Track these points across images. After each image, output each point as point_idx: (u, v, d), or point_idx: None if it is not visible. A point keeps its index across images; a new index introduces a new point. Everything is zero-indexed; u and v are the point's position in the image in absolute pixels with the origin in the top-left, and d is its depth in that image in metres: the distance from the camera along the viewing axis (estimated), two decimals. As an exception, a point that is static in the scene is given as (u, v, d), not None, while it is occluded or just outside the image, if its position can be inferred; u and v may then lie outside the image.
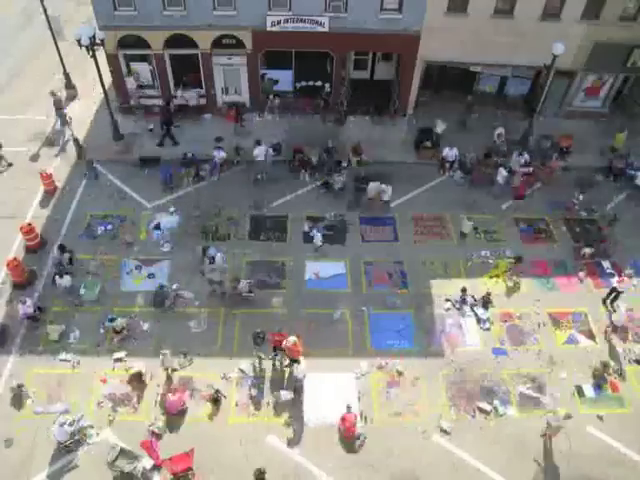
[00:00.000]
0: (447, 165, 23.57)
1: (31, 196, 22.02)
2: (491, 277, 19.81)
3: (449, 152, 23.32)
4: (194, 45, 23.75)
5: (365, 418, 16.06)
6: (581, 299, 19.29)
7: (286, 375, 16.89)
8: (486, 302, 18.80)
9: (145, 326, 17.92)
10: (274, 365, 17.08)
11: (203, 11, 22.58)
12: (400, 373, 17.05)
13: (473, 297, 18.89)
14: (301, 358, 16.40)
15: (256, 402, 16.35)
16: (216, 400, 16.13)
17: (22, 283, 18.78)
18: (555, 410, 15.84)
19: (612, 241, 21.10)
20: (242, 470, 14.88)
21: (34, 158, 23.80)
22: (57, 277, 18.54)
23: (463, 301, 18.84)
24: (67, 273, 18.75)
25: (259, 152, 22.41)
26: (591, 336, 18.30)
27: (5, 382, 16.48)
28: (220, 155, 22.72)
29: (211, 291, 18.80)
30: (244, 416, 16.05)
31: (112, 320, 17.41)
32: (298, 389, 16.53)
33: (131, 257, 19.95)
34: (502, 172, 22.21)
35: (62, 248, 19.36)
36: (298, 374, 16.36)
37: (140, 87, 25.37)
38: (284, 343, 16.39)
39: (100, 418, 15.80)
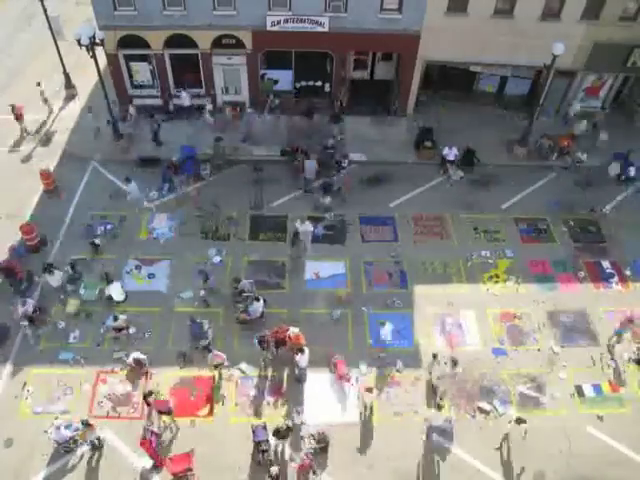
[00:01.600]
0: (448, 164, 23.53)
1: (31, 196, 22.04)
2: (490, 277, 19.83)
3: (449, 151, 23.31)
4: (194, 45, 23.76)
5: (365, 418, 16.07)
6: (581, 299, 19.29)
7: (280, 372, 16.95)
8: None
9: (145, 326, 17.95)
10: (272, 355, 17.14)
11: (203, 11, 22.59)
12: (399, 373, 17.07)
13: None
14: (305, 348, 16.44)
15: (256, 402, 16.37)
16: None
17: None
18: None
19: (611, 240, 21.19)
20: (242, 470, 14.89)
21: (34, 158, 23.81)
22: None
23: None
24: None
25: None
26: (592, 335, 18.31)
27: (5, 382, 16.50)
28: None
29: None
30: (244, 416, 16.06)
31: (115, 319, 17.29)
32: (301, 378, 16.71)
33: (131, 256, 19.98)
34: None
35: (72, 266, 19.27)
36: (301, 363, 16.39)
37: (140, 86, 25.41)
38: (288, 334, 16.69)
39: (100, 418, 15.78)
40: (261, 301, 17.66)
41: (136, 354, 16.55)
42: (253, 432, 15.10)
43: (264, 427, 15.17)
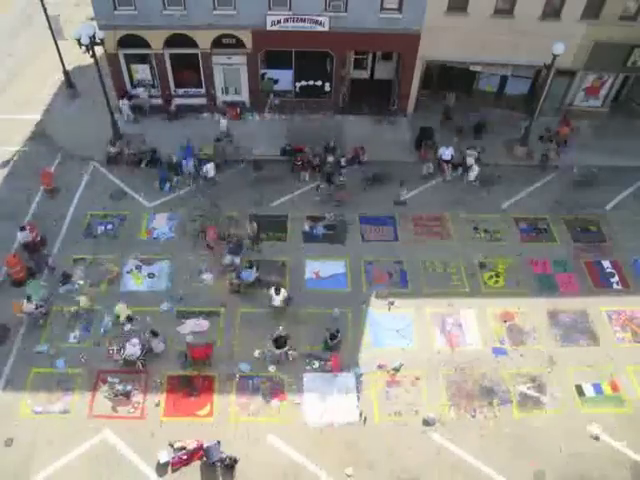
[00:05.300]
0: (445, 166, 23.40)
1: (31, 196, 22.04)
2: (490, 277, 19.83)
3: (445, 151, 23.22)
4: (194, 45, 23.77)
5: (365, 418, 16.08)
6: (581, 299, 19.25)
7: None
8: None
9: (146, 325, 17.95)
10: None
11: (203, 11, 22.60)
12: (399, 372, 17.06)
13: None
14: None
15: (256, 402, 16.36)
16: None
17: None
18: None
19: (611, 239, 21.18)
20: (242, 470, 14.89)
21: (34, 158, 23.80)
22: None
23: None
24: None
25: None
26: (592, 335, 18.30)
27: (5, 382, 16.52)
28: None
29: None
30: (244, 416, 16.07)
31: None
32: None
33: (131, 256, 19.98)
34: None
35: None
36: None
37: (140, 84, 25.47)
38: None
39: (99, 418, 15.82)
40: (254, 268, 18.77)
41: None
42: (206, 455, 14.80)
43: (218, 443, 14.94)
